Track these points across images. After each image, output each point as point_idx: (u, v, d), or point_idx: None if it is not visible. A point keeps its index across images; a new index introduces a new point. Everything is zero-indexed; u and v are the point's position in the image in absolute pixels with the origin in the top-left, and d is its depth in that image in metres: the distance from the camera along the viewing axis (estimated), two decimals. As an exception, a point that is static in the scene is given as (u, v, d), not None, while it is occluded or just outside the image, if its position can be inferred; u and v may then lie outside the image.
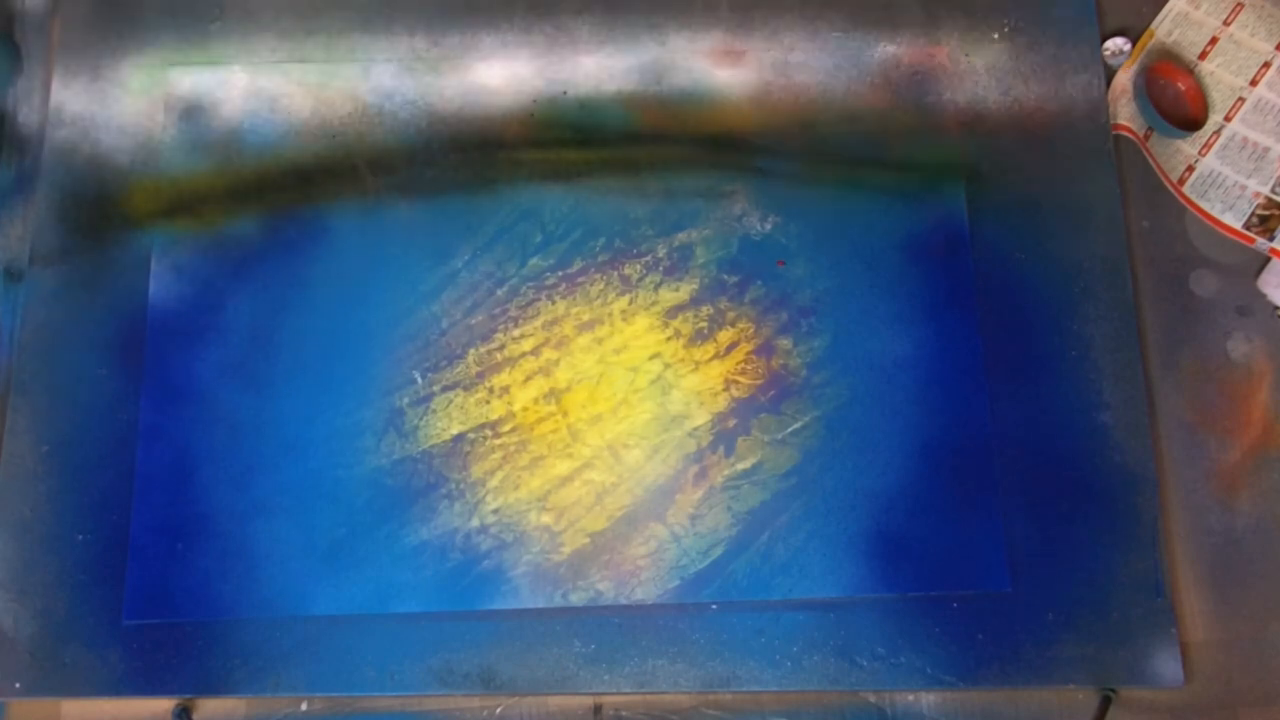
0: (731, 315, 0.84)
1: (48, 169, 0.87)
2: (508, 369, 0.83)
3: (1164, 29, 0.89)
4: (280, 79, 0.89)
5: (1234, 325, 0.84)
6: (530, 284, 0.84)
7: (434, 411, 0.82)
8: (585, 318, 0.84)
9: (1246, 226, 0.84)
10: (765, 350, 0.83)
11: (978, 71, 0.88)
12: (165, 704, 0.79)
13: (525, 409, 0.82)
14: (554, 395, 0.82)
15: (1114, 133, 0.87)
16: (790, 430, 0.81)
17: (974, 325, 0.83)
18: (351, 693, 0.78)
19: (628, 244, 0.85)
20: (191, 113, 0.88)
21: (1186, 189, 0.86)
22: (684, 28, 0.89)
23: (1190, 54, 0.88)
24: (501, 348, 0.83)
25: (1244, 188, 0.85)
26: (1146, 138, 0.87)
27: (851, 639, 0.77)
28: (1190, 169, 0.86)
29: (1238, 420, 0.82)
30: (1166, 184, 0.86)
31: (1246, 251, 0.85)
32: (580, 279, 0.85)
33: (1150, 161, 0.86)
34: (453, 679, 0.77)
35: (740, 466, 0.80)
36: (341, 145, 0.88)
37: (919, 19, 0.89)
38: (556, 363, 0.83)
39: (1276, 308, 0.84)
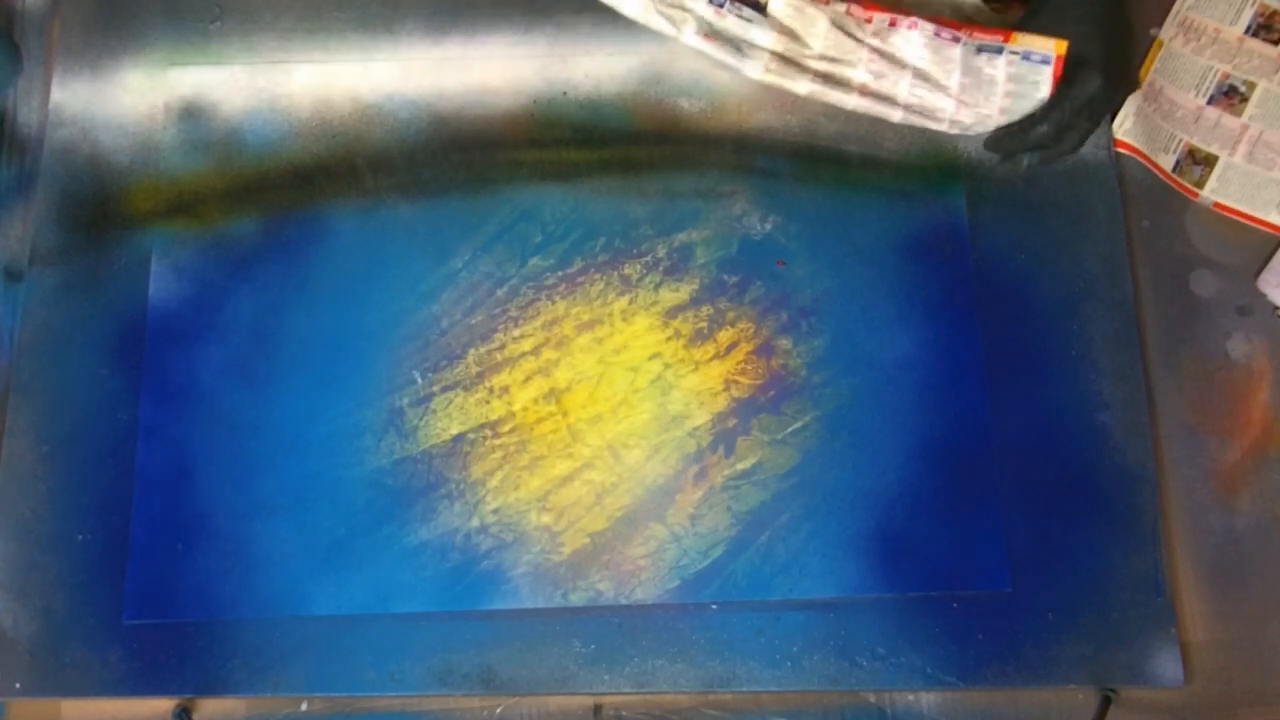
0: (731, 315, 0.83)
1: (48, 169, 0.87)
2: (508, 369, 0.83)
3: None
4: (280, 79, 0.89)
5: (1234, 325, 0.84)
6: (530, 284, 0.84)
7: (434, 411, 0.82)
8: (585, 318, 0.84)
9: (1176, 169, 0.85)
10: (765, 350, 0.83)
11: (978, 71, 0.88)
12: (165, 704, 0.79)
13: (525, 409, 0.82)
14: (554, 395, 0.82)
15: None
16: (790, 430, 0.81)
17: (974, 325, 0.83)
18: (351, 693, 0.78)
19: (628, 244, 0.85)
20: (191, 113, 0.88)
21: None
22: (684, 28, 0.89)
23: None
24: (501, 348, 0.83)
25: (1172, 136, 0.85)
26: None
27: (851, 639, 0.77)
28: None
29: (1238, 420, 0.82)
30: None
31: (1247, 251, 0.85)
32: (580, 279, 0.85)
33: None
34: (453, 679, 0.77)
35: (740, 466, 0.80)
36: (341, 145, 0.88)
37: (919, 19, 0.89)
38: (556, 363, 0.83)
39: (1276, 308, 0.84)
